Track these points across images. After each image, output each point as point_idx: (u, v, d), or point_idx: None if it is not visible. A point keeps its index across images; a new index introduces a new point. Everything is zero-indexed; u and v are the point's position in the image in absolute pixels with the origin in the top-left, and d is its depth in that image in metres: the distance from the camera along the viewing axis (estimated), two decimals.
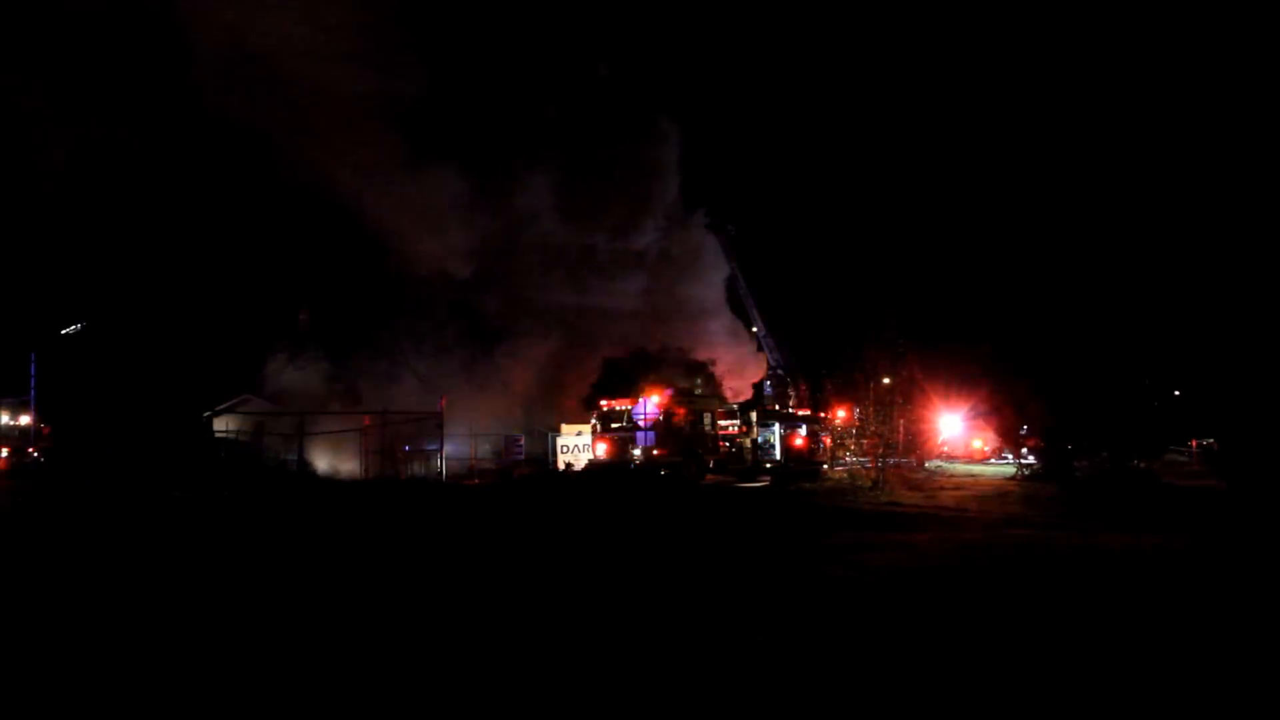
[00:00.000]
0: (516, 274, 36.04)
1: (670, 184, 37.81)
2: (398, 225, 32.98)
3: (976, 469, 32.74)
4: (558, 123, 35.84)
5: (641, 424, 27.76)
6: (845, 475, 27.89)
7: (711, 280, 38.99)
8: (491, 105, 34.52)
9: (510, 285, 35.98)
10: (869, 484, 24.69)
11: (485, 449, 33.16)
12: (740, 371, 38.91)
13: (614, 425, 28.98)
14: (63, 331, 30.24)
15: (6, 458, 31.19)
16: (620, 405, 29.24)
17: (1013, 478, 26.87)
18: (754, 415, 32.08)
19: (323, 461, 28.71)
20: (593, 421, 30.08)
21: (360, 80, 30.35)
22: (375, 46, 30.10)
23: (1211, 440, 35.86)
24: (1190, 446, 36.14)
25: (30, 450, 27.07)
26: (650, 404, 28.07)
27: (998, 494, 22.26)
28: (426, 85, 31.75)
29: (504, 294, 36.02)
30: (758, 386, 39.34)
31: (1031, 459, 29.79)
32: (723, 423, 31.11)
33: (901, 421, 26.44)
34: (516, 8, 35.92)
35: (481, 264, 34.77)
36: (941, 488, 24.50)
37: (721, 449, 30.37)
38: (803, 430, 33.04)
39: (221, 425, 30.53)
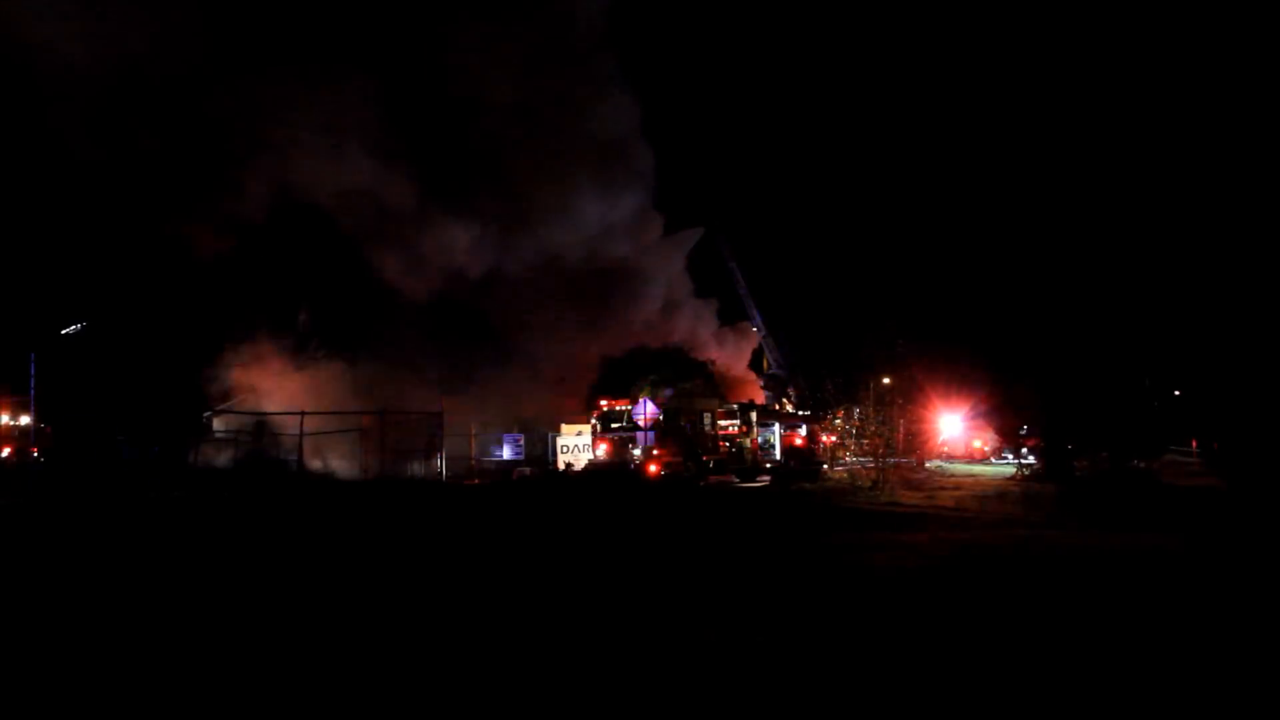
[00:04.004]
0: (517, 276, 36.09)
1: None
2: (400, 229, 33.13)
3: (976, 469, 32.71)
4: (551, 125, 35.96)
5: (641, 424, 27.77)
6: (845, 475, 27.85)
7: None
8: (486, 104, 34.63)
9: (511, 286, 36.03)
10: (869, 484, 24.65)
11: (485, 449, 33.14)
12: (737, 371, 39.02)
13: (614, 425, 28.97)
14: (63, 331, 30.22)
15: (7, 457, 31.17)
16: (620, 405, 29.23)
17: (1013, 478, 26.83)
18: (754, 415, 32.09)
19: (322, 461, 28.69)
20: (593, 421, 30.07)
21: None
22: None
23: (1212, 440, 35.82)
24: (1190, 446, 36.08)
25: (31, 450, 27.07)
26: (650, 404, 28.07)
27: (998, 494, 22.22)
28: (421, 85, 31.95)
29: (505, 295, 36.07)
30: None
31: (1031, 459, 29.76)
32: (723, 423, 31.10)
33: (901, 421, 26.41)
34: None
35: (483, 265, 34.85)
36: (941, 488, 24.47)
37: (721, 449, 30.36)
38: (803, 430, 33.06)
39: (221, 425, 30.52)
